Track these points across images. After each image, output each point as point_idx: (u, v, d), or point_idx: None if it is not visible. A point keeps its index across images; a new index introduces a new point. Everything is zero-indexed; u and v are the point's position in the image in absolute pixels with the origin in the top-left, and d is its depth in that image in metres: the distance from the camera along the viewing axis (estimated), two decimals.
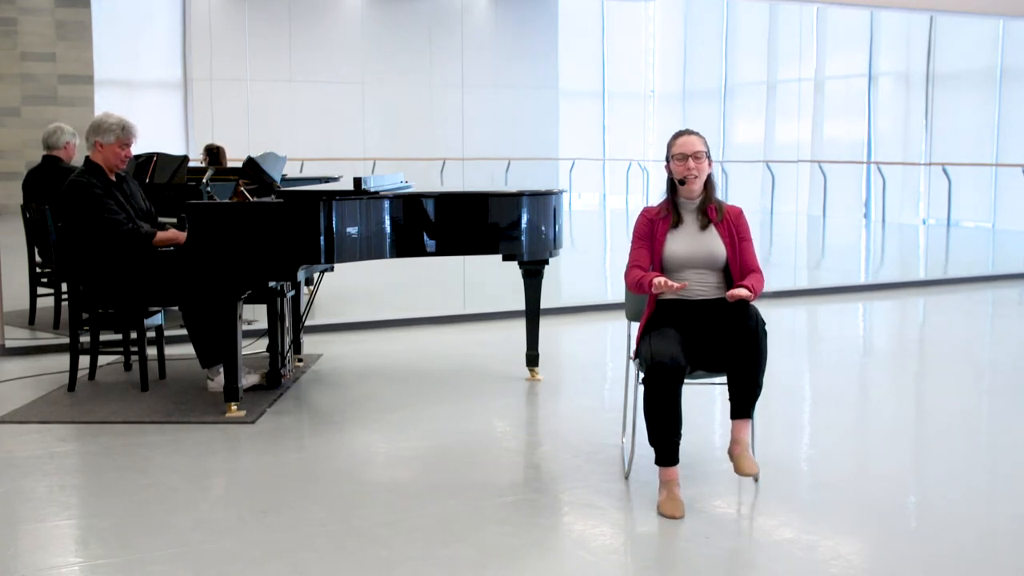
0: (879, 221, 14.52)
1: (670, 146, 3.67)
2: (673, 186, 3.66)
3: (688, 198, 3.64)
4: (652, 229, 3.65)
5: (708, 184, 3.65)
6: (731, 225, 3.63)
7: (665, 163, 3.68)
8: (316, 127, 13.69)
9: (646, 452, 3.52)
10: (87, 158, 4.85)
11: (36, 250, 6.38)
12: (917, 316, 7.88)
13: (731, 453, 3.42)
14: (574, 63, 16.46)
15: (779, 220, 13.79)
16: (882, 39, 15.04)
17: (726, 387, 3.45)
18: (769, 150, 15.37)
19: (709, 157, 3.64)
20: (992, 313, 8.05)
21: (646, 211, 3.71)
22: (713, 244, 3.59)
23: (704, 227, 3.61)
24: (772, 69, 15.98)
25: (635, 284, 3.60)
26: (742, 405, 3.41)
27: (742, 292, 3.41)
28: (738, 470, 3.39)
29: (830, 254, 12.24)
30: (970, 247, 12.62)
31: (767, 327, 3.41)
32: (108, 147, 4.80)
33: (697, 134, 3.66)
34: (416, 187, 5.39)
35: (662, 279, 3.46)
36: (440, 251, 4.91)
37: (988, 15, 10.72)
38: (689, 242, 3.60)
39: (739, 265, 3.60)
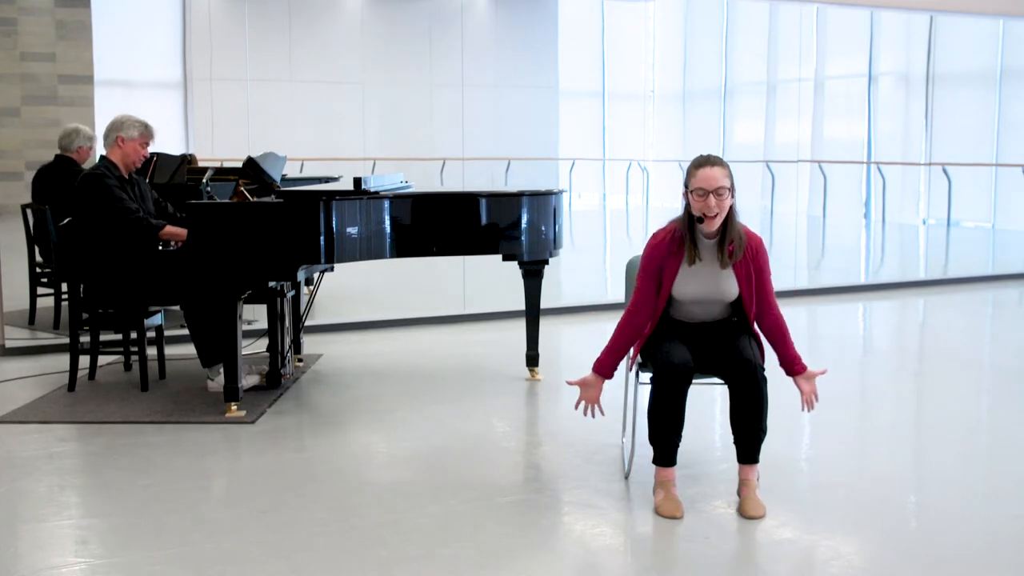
0: (879, 221, 14.53)
1: (689, 174, 3.34)
2: (691, 217, 3.36)
3: (707, 236, 3.38)
4: (661, 264, 3.40)
5: (729, 216, 3.36)
6: (750, 262, 3.39)
7: (683, 190, 3.37)
8: (316, 127, 13.71)
9: (646, 452, 3.51)
10: (103, 156, 4.88)
11: (36, 250, 6.38)
12: (917, 316, 7.88)
13: (739, 494, 3.40)
14: (574, 63, 16.48)
15: (779, 220, 13.78)
16: (882, 39, 15.05)
17: (726, 388, 3.44)
18: (769, 150, 15.37)
19: (732, 189, 3.34)
20: (992, 313, 8.05)
21: (655, 242, 3.42)
22: (726, 285, 3.39)
23: (722, 266, 3.37)
24: (772, 69, 15.98)
25: (621, 340, 3.45)
26: (748, 452, 3.38)
27: (814, 384, 3.59)
28: (743, 511, 3.33)
29: (830, 254, 12.23)
30: (970, 247, 12.61)
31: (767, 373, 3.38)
32: (130, 142, 4.84)
33: (720, 164, 3.33)
34: (416, 187, 5.39)
35: (582, 397, 3.45)
36: (440, 251, 4.90)
37: (988, 15, 10.73)
38: (702, 283, 3.39)
39: (755, 300, 3.44)
